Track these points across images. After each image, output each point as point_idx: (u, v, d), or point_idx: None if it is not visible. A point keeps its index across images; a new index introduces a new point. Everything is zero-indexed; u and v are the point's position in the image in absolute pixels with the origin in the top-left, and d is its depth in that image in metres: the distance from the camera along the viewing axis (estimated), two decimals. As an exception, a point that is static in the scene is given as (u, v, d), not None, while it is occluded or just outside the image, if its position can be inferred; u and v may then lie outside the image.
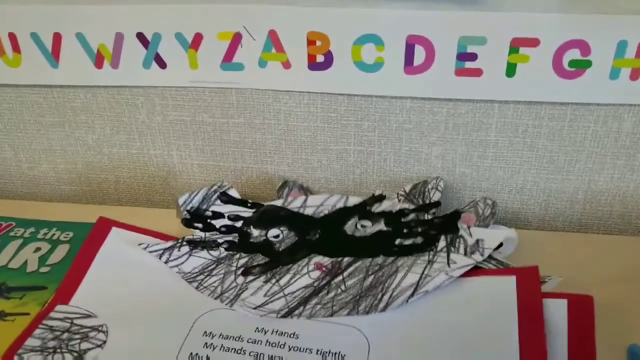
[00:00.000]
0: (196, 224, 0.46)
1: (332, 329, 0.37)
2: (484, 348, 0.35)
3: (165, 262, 0.42)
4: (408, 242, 0.43)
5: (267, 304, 0.39)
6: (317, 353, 0.36)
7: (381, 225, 0.45)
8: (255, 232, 0.45)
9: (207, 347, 0.36)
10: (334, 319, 0.38)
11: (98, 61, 0.47)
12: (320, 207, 0.47)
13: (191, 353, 0.36)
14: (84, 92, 0.51)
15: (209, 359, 0.35)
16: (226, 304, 0.39)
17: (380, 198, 0.47)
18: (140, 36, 0.48)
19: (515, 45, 0.40)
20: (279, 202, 0.48)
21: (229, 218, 0.46)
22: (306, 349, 0.36)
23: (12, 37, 0.47)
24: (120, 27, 0.46)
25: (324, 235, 0.45)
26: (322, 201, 0.48)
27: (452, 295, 0.38)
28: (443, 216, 0.44)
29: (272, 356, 0.35)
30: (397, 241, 0.43)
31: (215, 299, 0.40)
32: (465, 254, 0.41)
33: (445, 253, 0.41)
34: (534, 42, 0.42)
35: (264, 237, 0.45)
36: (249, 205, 0.48)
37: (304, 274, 0.41)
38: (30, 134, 0.53)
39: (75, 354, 0.36)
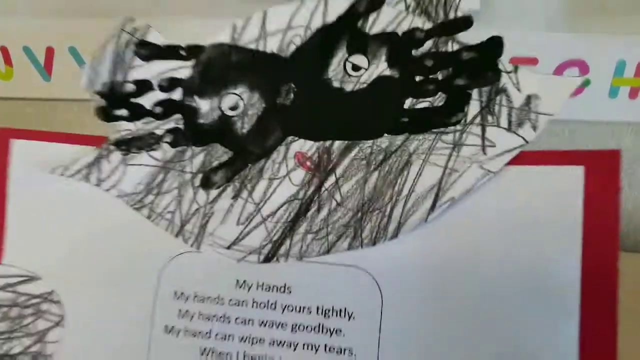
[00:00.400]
0: (117, 112, 0.33)
1: (332, 274, 0.30)
2: (534, 286, 0.26)
3: (97, 185, 0.32)
4: (423, 103, 0.30)
5: (242, 238, 0.31)
6: (317, 312, 0.29)
7: (382, 65, 0.31)
8: (203, 106, 0.32)
9: (182, 317, 0.30)
10: (332, 257, 0.30)
11: None
12: (289, 32, 0.32)
13: (166, 326, 0.30)
14: (77, 105, 0.49)
15: (188, 332, 0.30)
16: (192, 244, 0.31)
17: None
18: (136, 51, 0.44)
19: (514, 64, 0.34)
20: (225, 36, 0.33)
21: (161, 88, 0.33)
22: (303, 308, 0.30)
23: (4, 51, 0.47)
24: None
25: (301, 92, 0.32)
26: (290, 16, 0.32)
27: (487, 202, 0.28)
28: (476, 46, 0.29)
29: (262, 321, 0.30)
30: (407, 102, 0.30)
31: (177, 236, 0.31)
32: (510, 125, 0.28)
33: (479, 127, 0.28)
34: (532, 61, 0.40)
35: (218, 112, 0.32)
36: (183, 53, 0.33)
37: (284, 177, 0.31)
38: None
39: (34, 337, 0.31)
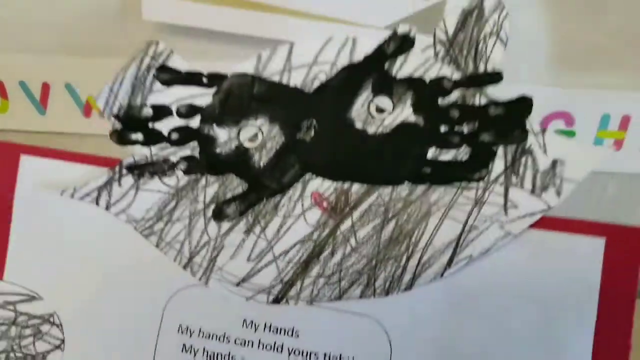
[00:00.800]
0: (133, 135, 0.33)
1: (342, 321, 0.31)
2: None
3: (106, 208, 0.33)
4: (447, 155, 0.30)
5: (252, 275, 0.31)
6: (324, 358, 0.29)
7: (407, 110, 0.31)
8: (221, 135, 0.33)
9: (186, 351, 0.31)
10: (343, 303, 0.31)
11: (87, 110, 0.43)
12: (315, 67, 0.32)
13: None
14: (71, 139, 0.46)
15: None
16: (200, 278, 0.31)
17: (407, 42, 0.31)
18: (131, 89, 0.48)
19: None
20: (249, 66, 0.33)
21: (179, 113, 0.33)
22: (310, 354, 0.31)
23: (0, 85, 0.47)
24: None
25: (322, 129, 0.32)
26: (317, 51, 0.32)
27: (505, 263, 0.28)
28: (504, 103, 0.30)
29: None
30: (431, 152, 0.30)
31: (185, 267, 0.31)
32: (534, 188, 0.28)
33: (503, 186, 0.28)
34: None
35: (236, 142, 0.32)
36: (204, 80, 0.33)
37: (299, 216, 0.31)
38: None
39: (34, 359, 0.31)
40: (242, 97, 0.35)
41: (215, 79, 0.35)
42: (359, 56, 0.34)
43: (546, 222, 0.30)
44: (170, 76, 0.34)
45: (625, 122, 0.46)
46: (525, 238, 0.30)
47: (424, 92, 0.33)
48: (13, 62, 0.52)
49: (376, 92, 0.34)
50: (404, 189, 0.32)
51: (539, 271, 0.31)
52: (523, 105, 0.31)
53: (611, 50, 0.45)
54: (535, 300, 0.31)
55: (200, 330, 0.33)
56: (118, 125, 0.35)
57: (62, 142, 0.55)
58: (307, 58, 0.35)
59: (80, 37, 0.52)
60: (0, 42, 0.52)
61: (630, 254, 0.29)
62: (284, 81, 0.34)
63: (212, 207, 0.34)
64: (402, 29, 0.34)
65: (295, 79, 0.35)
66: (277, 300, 0.33)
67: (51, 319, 0.35)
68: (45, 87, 0.53)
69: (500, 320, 0.31)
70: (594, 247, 0.30)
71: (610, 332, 0.30)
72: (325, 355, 0.32)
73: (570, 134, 0.43)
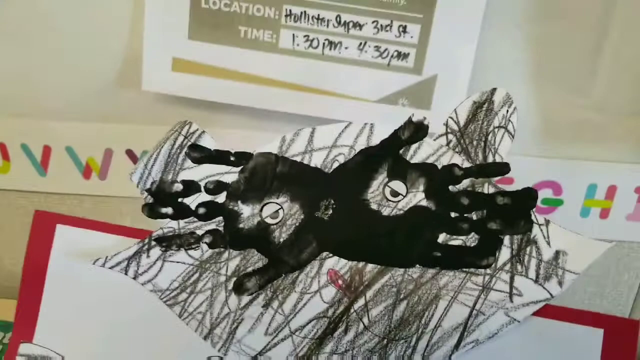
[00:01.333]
0: (163, 209, 0.36)
1: None
2: None
3: (134, 278, 0.35)
4: (456, 241, 0.32)
5: (269, 349, 0.34)
6: None
7: (419, 195, 0.33)
8: (245, 211, 0.35)
9: None
10: None
11: (86, 173, 0.51)
12: (334, 150, 0.35)
13: None
14: (70, 199, 0.53)
15: None
16: (219, 349, 0.34)
17: (421, 129, 0.34)
18: (130, 152, 0.53)
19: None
20: (274, 147, 0.36)
21: (207, 189, 0.36)
22: None
23: (2, 147, 0.51)
24: (110, 144, 0.51)
25: (339, 209, 0.34)
26: (337, 135, 0.35)
27: (509, 347, 0.30)
28: (511, 193, 0.32)
29: None
30: (441, 237, 0.33)
31: (205, 338, 0.34)
32: (537, 278, 0.31)
33: (509, 274, 0.31)
34: (509, 181, 0.40)
35: (258, 218, 0.35)
36: (232, 159, 0.36)
37: (315, 293, 0.33)
38: (15, 233, 0.58)
39: None
40: (265, 175, 0.38)
41: (241, 158, 0.38)
42: (375, 140, 0.37)
43: (548, 310, 0.32)
44: (200, 154, 0.37)
45: (611, 192, 0.48)
46: (528, 324, 0.33)
47: (436, 178, 0.36)
48: (15, 125, 0.53)
49: (391, 176, 0.37)
50: (415, 272, 0.35)
51: (540, 357, 0.33)
52: (528, 196, 0.33)
53: (597, 123, 0.47)
54: (537, 385, 0.33)
55: (217, 402, 0.36)
56: (150, 199, 0.37)
57: (61, 202, 0.58)
58: (328, 141, 0.38)
59: (82, 103, 0.52)
60: (4, 107, 0.55)
61: (626, 346, 0.31)
62: (305, 161, 0.38)
63: (234, 280, 0.37)
64: (416, 117, 0.37)
65: (316, 160, 0.37)
66: (292, 375, 0.36)
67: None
68: (47, 150, 0.53)
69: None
70: (593, 338, 0.32)
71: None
72: None
73: (558, 202, 0.45)
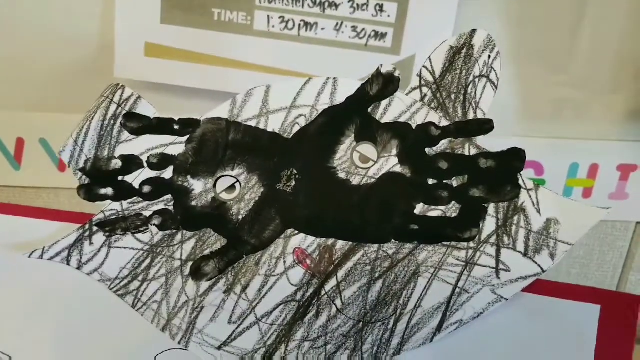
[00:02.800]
0: (102, 191, 0.33)
1: None
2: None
3: (78, 268, 0.33)
4: (435, 211, 0.30)
5: (234, 338, 0.32)
6: None
7: (392, 160, 0.31)
8: (196, 187, 0.33)
9: None
10: None
11: (61, 165, 0.50)
12: (293, 111, 0.32)
13: None
14: (47, 193, 0.53)
15: None
16: (179, 341, 0.32)
17: (391, 82, 0.31)
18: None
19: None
20: (224, 111, 0.32)
21: (150, 164, 0.33)
22: None
23: None
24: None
25: (303, 180, 0.32)
26: (295, 94, 0.32)
27: (496, 328, 0.29)
28: (495, 155, 0.30)
29: None
30: (418, 207, 0.30)
31: (163, 330, 0.32)
32: (526, 250, 0.29)
33: (494, 247, 0.29)
34: None
35: (212, 194, 0.32)
36: (176, 127, 0.33)
37: (281, 275, 0.31)
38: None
39: None
40: (216, 144, 0.35)
41: (187, 126, 0.34)
42: (340, 98, 0.34)
43: (538, 286, 0.31)
44: (138, 124, 0.34)
45: (593, 171, 0.49)
46: (517, 302, 0.31)
47: (411, 139, 0.33)
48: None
49: (360, 139, 0.35)
50: (390, 247, 0.33)
51: (531, 337, 0.31)
52: (515, 157, 0.31)
53: (577, 101, 0.48)
54: (529, 367, 0.32)
55: (181, 399, 0.35)
56: (85, 180, 0.34)
57: (37, 196, 0.57)
58: (285, 101, 0.34)
59: (54, 93, 0.53)
60: (-25, 101, 0.54)
61: (625, 322, 0.30)
62: (261, 126, 0.35)
63: (190, 264, 0.34)
64: (385, 68, 0.34)
65: (273, 124, 0.34)
66: (260, 367, 0.35)
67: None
68: (20, 142, 0.55)
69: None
70: (589, 314, 0.30)
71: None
72: None
73: (540, 182, 0.46)
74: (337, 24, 0.46)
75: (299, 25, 0.47)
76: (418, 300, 0.32)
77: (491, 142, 0.35)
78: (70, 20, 0.49)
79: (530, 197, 0.31)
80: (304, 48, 0.47)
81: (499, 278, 0.31)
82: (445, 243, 0.32)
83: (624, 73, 0.45)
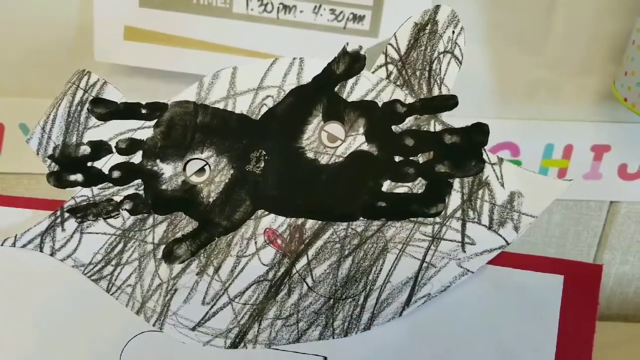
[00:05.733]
0: (72, 177, 0.36)
1: None
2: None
3: (51, 255, 0.36)
4: (402, 188, 0.33)
5: (208, 319, 0.35)
6: None
7: (359, 138, 0.33)
8: (165, 171, 0.35)
9: None
10: (302, 346, 0.34)
11: None
12: (261, 92, 0.34)
13: None
14: (27, 179, 0.56)
15: None
16: (154, 323, 0.34)
17: (358, 61, 0.33)
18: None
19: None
20: (191, 94, 0.35)
21: (119, 150, 0.36)
22: None
23: None
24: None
25: (272, 161, 0.34)
26: (262, 74, 0.34)
27: (463, 300, 0.32)
28: (460, 130, 0.33)
29: None
30: (386, 184, 0.33)
31: (138, 313, 0.34)
32: (491, 224, 0.31)
33: (460, 222, 0.31)
34: None
35: (182, 178, 0.35)
36: (143, 111, 0.35)
37: (252, 255, 0.34)
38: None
39: None
40: (185, 128, 0.37)
41: (155, 110, 0.37)
42: (306, 78, 0.37)
43: (504, 258, 0.34)
44: (106, 109, 0.36)
45: (568, 151, 0.52)
46: (483, 275, 0.34)
47: (377, 117, 0.36)
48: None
49: (327, 118, 0.37)
50: (359, 225, 0.35)
51: (497, 308, 0.34)
52: (479, 132, 0.33)
53: (551, 82, 0.51)
54: (494, 337, 0.34)
55: (157, 381, 0.38)
56: (55, 167, 0.37)
57: (18, 182, 0.59)
58: (253, 82, 0.37)
59: (34, 78, 0.55)
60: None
61: (588, 292, 0.32)
62: (229, 108, 0.37)
63: (162, 248, 0.37)
64: (351, 47, 0.37)
65: (241, 106, 0.37)
66: (234, 345, 0.36)
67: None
68: (0, 128, 0.57)
69: (458, 358, 0.35)
70: (552, 285, 0.33)
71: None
72: (286, 399, 0.37)
73: (516, 163, 0.48)
74: (316, 6, 0.48)
75: (278, 8, 0.49)
76: (387, 276, 0.35)
77: (466, 124, 0.38)
78: (49, 4, 0.51)
79: (494, 171, 0.34)
80: (283, 31, 0.50)
81: (464, 252, 0.34)
82: (412, 219, 0.35)
83: (598, 55, 0.48)
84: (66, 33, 0.51)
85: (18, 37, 0.51)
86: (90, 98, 0.37)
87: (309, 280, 0.36)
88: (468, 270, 0.34)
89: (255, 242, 0.37)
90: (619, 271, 0.60)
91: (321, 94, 0.36)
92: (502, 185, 0.34)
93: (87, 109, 0.37)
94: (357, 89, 0.36)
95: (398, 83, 0.36)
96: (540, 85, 0.50)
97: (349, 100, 0.36)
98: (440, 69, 0.35)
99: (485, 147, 0.34)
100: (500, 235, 0.34)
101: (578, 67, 0.49)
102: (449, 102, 0.34)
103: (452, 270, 0.34)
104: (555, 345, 0.33)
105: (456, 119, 0.37)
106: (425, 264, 0.35)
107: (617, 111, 0.50)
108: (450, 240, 0.34)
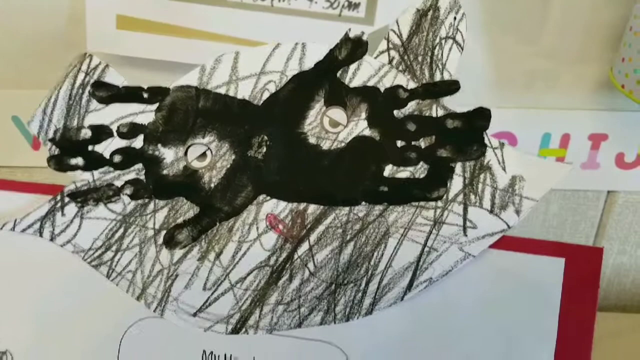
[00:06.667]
0: (72, 160, 0.37)
1: (303, 349, 0.36)
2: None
3: (51, 240, 0.37)
4: (404, 172, 0.34)
5: (209, 304, 0.36)
6: None
7: (361, 123, 0.34)
8: (167, 155, 0.36)
9: None
10: (304, 331, 0.35)
11: (35, 144, 0.52)
12: (263, 77, 0.36)
13: None
14: (21, 172, 0.55)
15: None
16: (154, 309, 0.35)
17: (360, 46, 0.34)
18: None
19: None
20: (193, 78, 0.36)
21: (120, 134, 0.37)
22: None
23: None
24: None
25: (274, 146, 0.35)
26: (265, 60, 0.35)
27: (465, 284, 0.33)
28: (462, 115, 0.34)
29: None
30: (388, 169, 0.34)
31: (138, 299, 0.35)
32: (493, 207, 0.32)
33: (462, 205, 0.32)
34: None
35: (183, 163, 0.36)
36: (145, 95, 0.36)
37: (254, 241, 0.35)
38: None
39: None
40: (186, 112, 0.38)
41: (156, 94, 0.38)
42: (309, 63, 0.38)
43: (505, 242, 0.35)
44: (107, 93, 0.38)
45: (565, 141, 0.52)
46: (485, 259, 0.35)
47: (379, 103, 0.37)
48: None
49: (329, 103, 0.38)
50: (361, 210, 0.36)
51: (499, 292, 0.35)
52: (481, 116, 0.35)
53: (548, 71, 0.51)
54: (496, 320, 0.35)
55: (158, 367, 0.39)
56: (55, 151, 0.38)
57: (12, 175, 0.59)
58: (255, 67, 0.38)
59: (25, 69, 0.53)
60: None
61: (589, 274, 0.33)
62: (231, 93, 0.38)
63: (163, 233, 0.38)
64: (354, 32, 0.38)
65: (243, 91, 0.38)
66: (236, 330, 0.37)
67: (3, 358, 0.40)
68: None
69: (461, 342, 0.36)
70: (553, 268, 0.34)
71: (571, 352, 0.35)
72: (287, 384, 0.38)
73: None
74: (311, -7, 0.52)
75: (273, -5, 0.52)
76: (389, 261, 0.36)
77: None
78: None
79: (495, 155, 0.35)
80: (277, 19, 0.51)
81: (466, 235, 0.35)
82: (414, 203, 0.36)
83: (595, 43, 0.48)
84: (57, 22, 0.51)
85: (8, 27, 0.51)
86: (92, 81, 0.38)
87: (310, 265, 0.37)
88: (469, 254, 0.35)
89: (257, 228, 0.38)
90: (616, 261, 0.61)
91: (323, 80, 0.37)
92: (504, 169, 0.35)
93: (89, 92, 0.38)
94: (359, 74, 0.37)
95: (400, 68, 0.37)
96: (537, 74, 0.51)
97: (351, 85, 0.37)
98: (442, 55, 0.36)
99: (486, 132, 0.35)
100: (502, 219, 0.35)
101: (575, 56, 0.49)
102: (451, 87, 0.36)
103: (453, 254, 0.35)
104: (556, 328, 0.34)
105: (453, 108, 0.39)
106: (427, 248, 0.35)
107: (615, 99, 0.51)
108: (452, 224, 0.35)
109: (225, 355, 0.37)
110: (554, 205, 0.58)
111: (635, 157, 0.52)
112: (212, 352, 0.38)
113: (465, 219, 0.35)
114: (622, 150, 0.55)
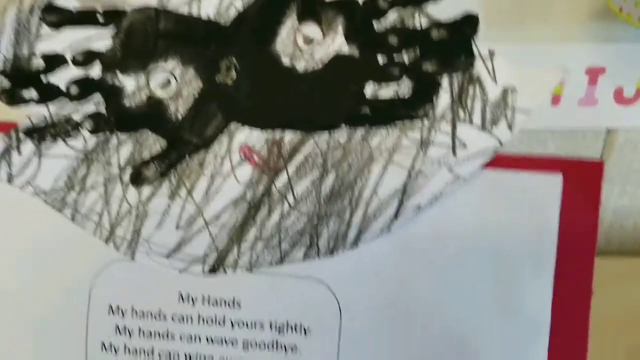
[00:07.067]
0: (25, 93, 0.34)
1: (286, 286, 0.34)
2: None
3: (8, 182, 0.34)
4: (387, 91, 0.31)
5: (183, 244, 0.34)
6: (270, 328, 0.33)
7: (338, 39, 0.32)
8: (127, 84, 0.34)
9: (120, 333, 0.34)
10: (286, 267, 0.33)
11: None
12: (228, -8, 0.33)
13: (103, 343, 0.34)
14: None
15: (128, 351, 0.33)
16: (124, 252, 0.33)
17: (332, -48, 0.32)
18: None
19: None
20: (151, -2, 0.33)
21: (75, 61, 0.34)
22: (254, 324, 0.34)
23: None
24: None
25: (244, 69, 0.33)
26: (228, -28, 0.33)
27: (456, 209, 0.31)
28: (447, 24, 0.31)
29: (210, 338, 0.34)
30: (369, 88, 0.31)
31: (107, 242, 0.33)
32: (483, 123, 0.30)
33: (450, 123, 0.30)
34: None
35: (146, 91, 0.33)
36: (100, 19, 0.33)
37: (228, 174, 0.33)
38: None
39: None
40: (146, 35, 0.35)
41: (113, 17, 0.35)
42: (278, -27, 0.36)
43: (498, 161, 0.32)
44: (59, 17, 0.35)
45: None
46: (476, 180, 0.33)
47: (357, 14, 0.34)
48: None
49: (302, 18, 0.35)
50: (341, 135, 0.34)
51: (492, 215, 0.33)
52: (468, 24, 0.32)
53: (541, 2, 0.48)
54: (490, 246, 0.34)
55: (132, 310, 0.36)
56: (6, 83, 0.35)
57: None
58: (218, -18, 0.36)
59: None
60: None
61: (589, 191, 0.32)
62: (194, 13, 0.35)
63: (129, 170, 0.36)
64: None
65: (207, 10, 0.35)
66: (213, 270, 0.35)
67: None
68: None
69: (453, 271, 0.34)
70: (550, 184, 0.32)
71: (571, 276, 0.33)
72: (271, 324, 0.35)
73: None
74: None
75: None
76: (373, 189, 0.34)
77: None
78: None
79: (485, 65, 0.33)
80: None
81: (455, 155, 0.33)
82: (398, 124, 0.34)
83: None
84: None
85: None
86: (42, 5, 0.36)
87: (290, 198, 0.35)
88: (459, 177, 0.33)
89: (230, 160, 0.36)
90: (617, 204, 0.60)
91: (295, -8, 0.35)
92: (495, 80, 0.33)
93: (39, 17, 0.36)
94: (336, -19, 0.35)
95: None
96: (529, 5, 0.49)
97: (327, -1, 0.35)
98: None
99: (475, 39, 0.33)
100: (494, 135, 0.33)
101: (568, -18, 0.48)
102: (436, -5, 0.33)
103: (442, 177, 0.33)
104: (555, 251, 0.33)
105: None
106: (414, 173, 0.33)
107: (612, 30, 0.49)
108: (440, 145, 0.33)
109: (203, 295, 0.36)
110: (550, 147, 0.57)
111: (634, 91, 0.50)
112: (188, 295, 0.36)
113: (454, 138, 0.33)
114: (621, 84, 0.53)
